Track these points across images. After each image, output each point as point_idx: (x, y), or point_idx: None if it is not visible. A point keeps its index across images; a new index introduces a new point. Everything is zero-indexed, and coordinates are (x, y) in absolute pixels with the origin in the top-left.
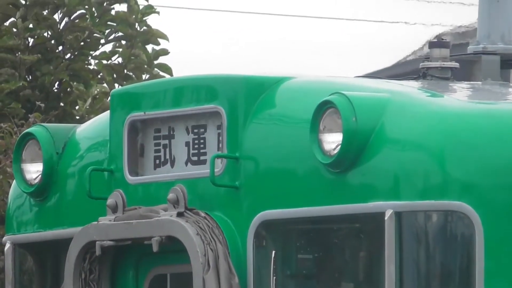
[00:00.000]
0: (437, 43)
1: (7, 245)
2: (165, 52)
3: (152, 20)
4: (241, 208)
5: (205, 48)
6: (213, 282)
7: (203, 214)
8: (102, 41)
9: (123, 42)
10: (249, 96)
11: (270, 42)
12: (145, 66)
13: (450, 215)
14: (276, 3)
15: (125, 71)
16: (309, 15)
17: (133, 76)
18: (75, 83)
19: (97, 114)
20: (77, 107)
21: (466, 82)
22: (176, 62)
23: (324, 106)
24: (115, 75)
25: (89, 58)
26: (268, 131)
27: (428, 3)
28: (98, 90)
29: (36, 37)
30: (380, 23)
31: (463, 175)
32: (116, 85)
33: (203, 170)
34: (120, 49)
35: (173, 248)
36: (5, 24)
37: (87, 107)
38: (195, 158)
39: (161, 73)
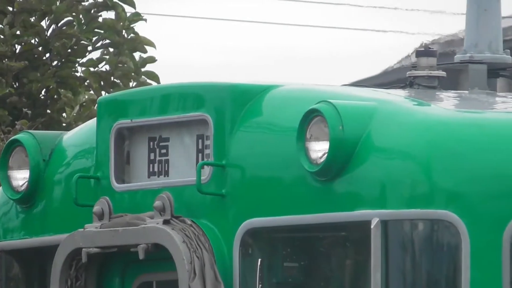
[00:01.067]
0: (424, 52)
1: None
2: (152, 59)
3: (139, 28)
4: (227, 216)
5: (193, 56)
6: None
7: (189, 222)
8: (90, 48)
9: (110, 49)
10: (236, 104)
11: (257, 50)
12: (132, 74)
13: (436, 224)
14: (265, 11)
15: (112, 78)
16: (296, 23)
17: (120, 83)
18: (62, 90)
19: (84, 122)
20: (64, 114)
21: (453, 91)
22: (163, 69)
23: (311, 115)
24: (102, 83)
25: (76, 65)
26: (254, 139)
27: (415, 12)
28: (85, 97)
29: (23, 44)
30: (367, 31)
31: (450, 184)
32: (103, 92)
33: (189, 178)
34: (107, 57)
35: (159, 255)
36: None
37: (74, 114)
38: (181, 166)
39: (148, 81)
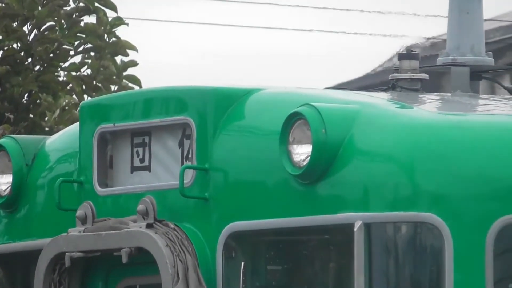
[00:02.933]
0: (407, 54)
1: None
2: (134, 63)
3: (121, 32)
4: (211, 219)
5: (175, 60)
6: None
7: (172, 226)
8: (72, 52)
9: (92, 53)
10: (218, 108)
11: (239, 54)
12: (114, 78)
13: (420, 226)
14: (245, 15)
15: (95, 82)
16: (278, 26)
17: (102, 87)
18: (44, 95)
19: (66, 125)
20: (46, 119)
21: (435, 93)
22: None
23: (294, 118)
24: (84, 87)
25: (59, 69)
26: (237, 143)
27: (396, 15)
28: (66, 101)
29: (5, 49)
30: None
31: (433, 187)
32: (86, 96)
33: (172, 182)
34: (89, 61)
35: (143, 259)
36: None
37: (56, 118)
38: (164, 170)
39: (130, 85)
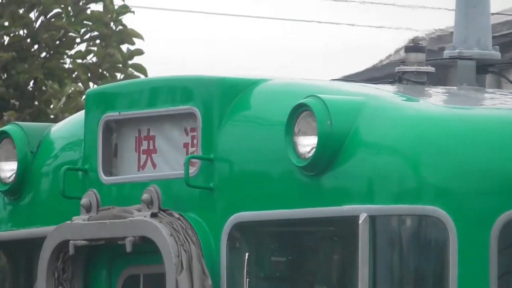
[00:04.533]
0: (413, 47)
1: None
2: (139, 52)
3: (127, 20)
4: (215, 209)
5: (181, 49)
6: (186, 283)
7: (177, 215)
8: (78, 40)
9: (98, 41)
10: (224, 98)
11: (247, 44)
12: (120, 66)
13: (424, 219)
14: (254, 5)
15: (100, 70)
16: (286, 18)
17: (108, 75)
18: (49, 82)
19: (71, 113)
20: (51, 106)
21: (441, 86)
22: (150, 62)
23: (299, 109)
24: (90, 74)
25: (65, 57)
26: (243, 133)
27: (403, 8)
28: (72, 89)
29: (11, 35)
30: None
31: (438, 180)
32: (91, 84)
33: (177, 171)
34: (95, 48)
35: (147, 248)
36: None
37: (61, 105)
38: (169, 159)
39: (136, 73)
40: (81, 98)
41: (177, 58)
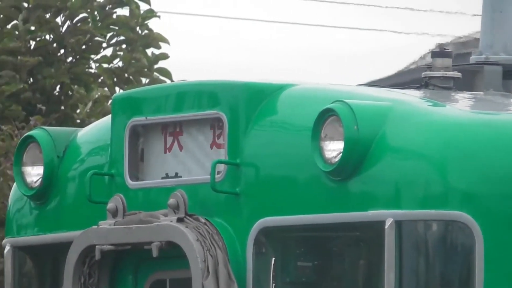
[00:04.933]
0: (440, 52)
1: (7, 248)
2: (165, 56)
3: (153, 25)
4: (241, 214)
5: (206, 54)
6: None
7: (203, 220)
8: (104, 44)
9: (124, 46)
10: (250, 103)
11: (272, 49)
12: (145, 70)
13: (451, 225)
14: (279, 10)
15: (126, 75)
16: (312, 23)
17: (133, 80)
18: (75, 87)
19: (97, 118)
20: (77, 111)
21: (468, 92)
22: (176, 67)
23: (326, 114)
24: (115, 79)
25: (91, 61)
26: (269, 138)
27: (431, 13)
28: (99, 93)
29: (37, 40)
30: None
31: (464, 185)
32: (117, 88)
33: (203, 176)
34: (121, 53)
35: (173, 253)
36: (7, 26)
37: (88, 110)
38: (196, 164)
39: (161, 78)
40: (107, 102)
41: (207, 61)
